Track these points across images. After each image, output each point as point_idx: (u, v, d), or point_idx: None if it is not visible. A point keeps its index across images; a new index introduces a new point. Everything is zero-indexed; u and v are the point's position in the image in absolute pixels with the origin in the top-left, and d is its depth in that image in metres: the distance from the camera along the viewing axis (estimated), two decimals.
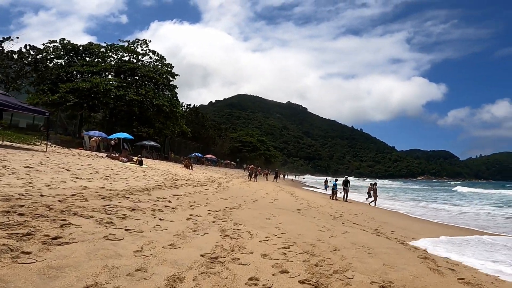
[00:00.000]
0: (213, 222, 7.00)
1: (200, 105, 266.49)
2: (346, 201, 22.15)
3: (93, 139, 29.29)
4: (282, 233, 6.82)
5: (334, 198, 22.74)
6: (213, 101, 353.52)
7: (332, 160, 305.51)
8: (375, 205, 21.21)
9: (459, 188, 60.58)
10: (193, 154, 56.77)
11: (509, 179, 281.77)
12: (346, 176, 24.65)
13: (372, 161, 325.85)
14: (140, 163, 21.98)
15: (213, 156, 64.46)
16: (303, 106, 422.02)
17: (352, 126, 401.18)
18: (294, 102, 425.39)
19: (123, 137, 27.70)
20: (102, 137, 30.87)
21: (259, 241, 5.77)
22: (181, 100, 74.41)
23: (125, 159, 21.96)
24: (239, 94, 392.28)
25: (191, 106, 74.37)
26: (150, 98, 41.04)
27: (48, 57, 41.32)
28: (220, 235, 5.81)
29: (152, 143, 41.01)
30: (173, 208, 7.90)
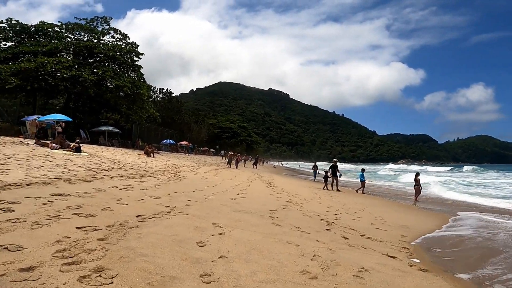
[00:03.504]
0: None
1: (181, 93, 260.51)
2: (337, 190, 18.07)
3: (29, 122, 24.14)
4: None
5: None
6: (194, 89, 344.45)
7: (315, 146, 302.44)
8: (415, 201, 16.31)
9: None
10: (166, 141, 51.97)
11: (484, 162, 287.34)
12: (335, 160, 20.33)
13: (354, 146, 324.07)
14: (78, 150, 17.34)
15: (188, 143, 59.58)
16: (285, 92, 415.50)
17: (334, 111, 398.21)
18: (276, 89, 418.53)
19: (56, 119, 22.68)
20: (47, 122, 25.72)
21: None
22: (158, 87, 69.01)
23: (56, 145, 17.25)
24: (220, 82, 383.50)
25: (164, 90, 68.82)
26: (108, 78, 35.73)
27: None
28: None
29: (110, 128, 35.97)
30: None
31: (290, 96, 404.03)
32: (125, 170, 12.98)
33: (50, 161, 11.64)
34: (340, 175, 19.34)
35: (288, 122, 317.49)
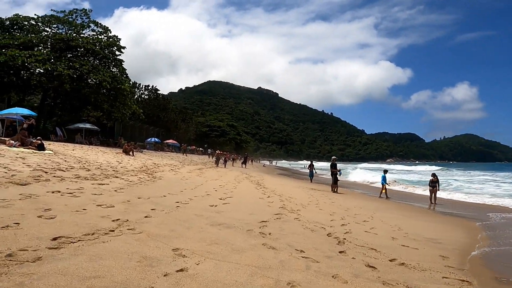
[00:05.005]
0: None
1: (170, 92, 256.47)
2: (335, 191, 16.24)
3: None
4: None
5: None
6: (183, 88, 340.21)
7: (304, 144, 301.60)
8: (435, 203, 14.94)
9: None
10: (150, 140, 49.72)
11: (470, 160, 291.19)
12: (334, 158, 18.31)
13: (343, 145, 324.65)
14: (41, 147, 15.24)
15: (174, 142, 57.40)
16: (274, 91, 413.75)
17: (323, 110, 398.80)
18: (265, 88, 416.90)
19: (16, 113, 20.27)
20: (14, 118, 23.26)
21: None
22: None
23: (15, 142, 15.09)
24: (209, 81, 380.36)
25: (149, 88, 66.29)
26: (86, 72, 33.33)
27: None
28: None
29: (88, 125, 33.65)
30: None
31: (279, 95, 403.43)
32: (88, 170, 10.94)
33: None
34: (340, 174, 17.51)
35: (277, 121, 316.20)
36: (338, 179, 17.09)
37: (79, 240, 3.53)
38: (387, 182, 16.74)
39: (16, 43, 32.22)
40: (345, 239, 5.52)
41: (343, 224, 7.05)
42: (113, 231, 4.11)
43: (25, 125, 20.46)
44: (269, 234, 5.15)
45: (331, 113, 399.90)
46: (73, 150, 19.26)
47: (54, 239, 3.47)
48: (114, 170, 12.29)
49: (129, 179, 10.36)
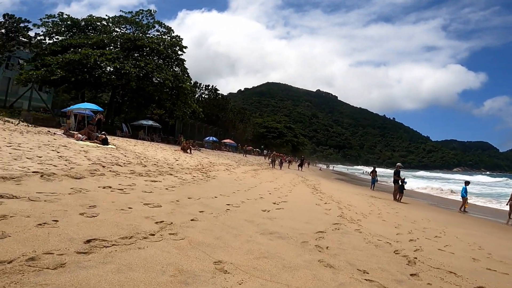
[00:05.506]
0: None
1: (229, 93, 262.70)
2: (398, 200, 15.04)
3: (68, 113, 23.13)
4: None
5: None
6: (242, 89, 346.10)
7: (363, 150, 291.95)
8: None
9: None
10: (209, 138, 50.76)
11: None
12: (399, 164, 16.92)
13: (405, 151, 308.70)
14: (104, 142, 15.89)
15: (232, 141, 58.09)
16: (333, 94, 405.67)
17: (384, 115, 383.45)
18: (323, 90, 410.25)
19: (84, 107, 21.37)
20: (84, 113, 24.74)
21: None
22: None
23: (83, 136, 15.86)
24: (267, 82, 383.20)
25: (209, 87, 67.89)
26: (150, 71, 34.75)
27: (48, 33, 36.19)
28: None
29: (150, 123, 34.99)
30: None
31: (339, 98, 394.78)
32: (144, 166, 11.02)
33: (57, 152, 9.96)
34: (406, 183, 16.14)
35: (335, 124, 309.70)
36: (405, 188, 15.79)
37: (113, 245, 3.20)
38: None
39: (89, 42, 34.56)
40: (416, 258, 4.72)
41: (411, 239, 6.18)
42: (153, 235, 3.76)
43: (94, 120, 21.70)
44: (327, 248, 4.51)
45: (393, 118, 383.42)
46: (134, 145, 19.96)
47: (87, 241, 3.17)
48: (169, 167, 12.32)
49: (183, 177, 10.23)
